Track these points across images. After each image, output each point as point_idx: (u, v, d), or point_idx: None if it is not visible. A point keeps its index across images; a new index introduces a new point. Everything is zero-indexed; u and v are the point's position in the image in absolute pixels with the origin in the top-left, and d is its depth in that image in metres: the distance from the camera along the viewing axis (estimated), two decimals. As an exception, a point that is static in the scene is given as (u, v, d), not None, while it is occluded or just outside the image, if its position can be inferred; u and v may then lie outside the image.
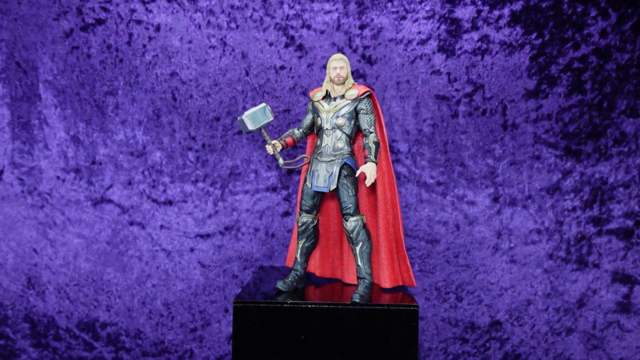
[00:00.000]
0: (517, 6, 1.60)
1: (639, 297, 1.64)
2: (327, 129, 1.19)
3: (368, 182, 1.11)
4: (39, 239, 1.69)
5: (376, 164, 1.14)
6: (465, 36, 1.61)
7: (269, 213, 1.67)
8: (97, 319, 1.69)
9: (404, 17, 1.61)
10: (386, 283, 1.21)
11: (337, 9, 1.61)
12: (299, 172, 1.61)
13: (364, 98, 1.18)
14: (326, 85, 1.21)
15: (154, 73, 1.64)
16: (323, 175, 1.18)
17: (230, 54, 1.63)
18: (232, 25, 1.62)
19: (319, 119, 1.20)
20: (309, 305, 1.10)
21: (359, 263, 1.17)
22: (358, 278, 1.18)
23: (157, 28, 1.63)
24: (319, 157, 1.19)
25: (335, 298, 1.14)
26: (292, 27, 1.62)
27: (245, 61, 1.63)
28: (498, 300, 1.65)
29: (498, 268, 1.65)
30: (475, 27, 1.60)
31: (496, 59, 1.61)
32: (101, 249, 1.69)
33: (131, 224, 1.68)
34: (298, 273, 1.23)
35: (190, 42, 1.63)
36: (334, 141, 1.19)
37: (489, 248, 1.65)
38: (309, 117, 1.26)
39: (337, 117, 1.18)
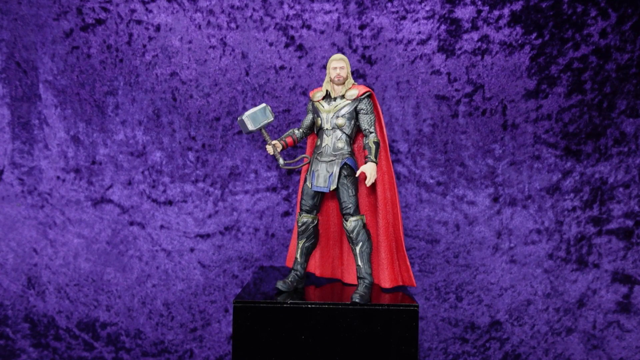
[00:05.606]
0: (517, 6, 1.60)
1: (639, 297, 1.64)
2: (327, 129, 1.19)
3: (368, 182, 1.11)
4: (39, 239, 1.69)
5: (376, 164, 1.14)
6: (465, 36, 1.61)
7: (269, 213, 1.67)
8: (97, 319, 1.69)
9: (404, 17, 1.61)
10: (386, 283, 1.21)
11: (337, 9, 1.61)
12: (299, 172, 1.61)
13: (364, 98, 1.18)
14: (326, 86, 1.21)
15: (154, 73, 1.64)
16: (323, 175, 1.18)
17: (230, 54, 1.63)
18: (232, 25, 1.62)
19: (319, 119, 1.20)
20: (309, 305, 1.10)
21: (359, 263, 1.17)
22: (358, 278, 1.18)
23: (157, 28, 1.63)
24: (319, 157, 1.19)
25: (335, 298, 1.14)
26: (292, 27, 1.62)
27: (245, 61, 1.63)
28: (498, 300, 1.65)
29: (498, 268, 1.65)
30: (475, 27, 1.60)
31: (496, 59, 1.61)
32: (101, 249, 1.69)
33: (131, 224, 1.68)
34: (298, 273, 1.23)
35: (190, 42, 1.63)
36: (334, 141, 1.19)
37: (489, 248, 1.65)
38: (309, 117, 1.26)
39: (337, 117, 1.18)
